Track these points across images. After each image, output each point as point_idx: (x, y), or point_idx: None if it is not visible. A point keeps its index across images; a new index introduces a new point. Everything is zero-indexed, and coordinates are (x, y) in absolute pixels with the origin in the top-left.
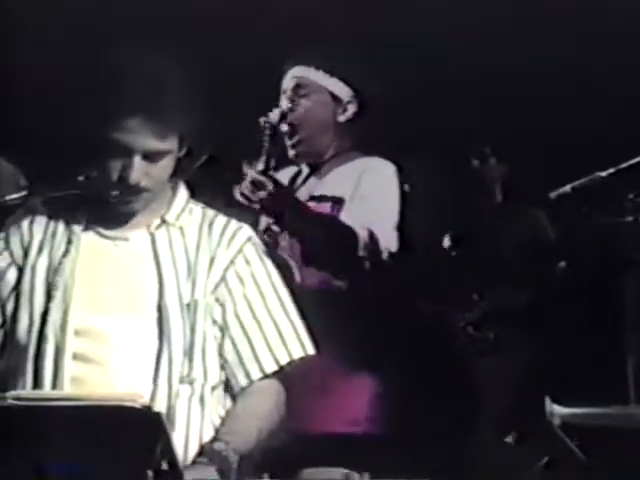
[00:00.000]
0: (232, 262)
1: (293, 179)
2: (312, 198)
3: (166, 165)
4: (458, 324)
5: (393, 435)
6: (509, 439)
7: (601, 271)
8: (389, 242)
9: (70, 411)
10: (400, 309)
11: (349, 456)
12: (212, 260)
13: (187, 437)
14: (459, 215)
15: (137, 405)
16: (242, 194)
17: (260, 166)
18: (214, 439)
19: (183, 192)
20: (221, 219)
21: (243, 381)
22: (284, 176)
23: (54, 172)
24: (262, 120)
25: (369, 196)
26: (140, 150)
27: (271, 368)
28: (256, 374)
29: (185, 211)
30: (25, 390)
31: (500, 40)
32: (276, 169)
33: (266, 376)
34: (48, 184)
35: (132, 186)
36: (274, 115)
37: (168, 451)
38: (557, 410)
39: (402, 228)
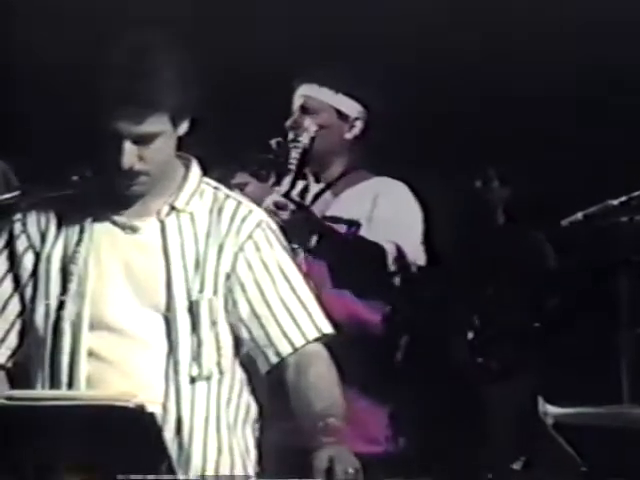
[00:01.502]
0: (241, 249)
1: (300, 193)
2: (325, 218)
3: (161, 146)
4: (463, 351)
5: (410, 455)
6: (516, 465)
7: (596, 270)
8: (416, 256)
9: (63, 411)
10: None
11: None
12: (221, 248)
13: (205, 434)
14: (462, 236)
15: (131, 405)
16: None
17: (284, 187)
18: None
19: (195, 172)
20: (231, 203)
21: (264, 367)
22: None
23: (49, 168)
24: (290, 140)
25: (390, 216)
26: (126, 135)
27: (287, 351)
28: (274, 358)
29: (196, 194)
30: (18, 390)
31: (507, 62)
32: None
33: (282, 359)
34: (41, 180)
35: (127, 171)
36: (304, 138)
37: (163, 452)
38: (550, 410)
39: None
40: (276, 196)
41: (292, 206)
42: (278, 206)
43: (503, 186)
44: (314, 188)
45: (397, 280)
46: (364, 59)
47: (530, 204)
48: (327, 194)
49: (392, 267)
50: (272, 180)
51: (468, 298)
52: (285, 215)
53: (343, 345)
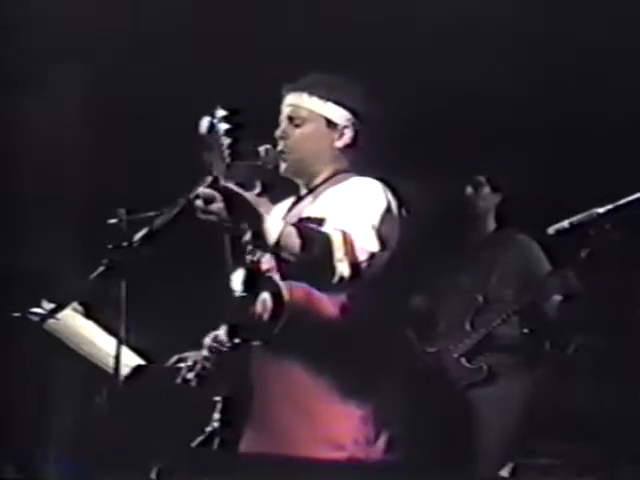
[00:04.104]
0: None
1: (292, 205)
2: (300, 220)
3: None
4: (451, 355)
5: (380, 461)
6: (504, 472)
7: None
8: (366, 242)
9: None
10: (391, 336)
11: None
12: None
13: None
14: (452, 242)
15: None
16: (200, 212)
17: (208, 179)
18: None
19: None
20: None
21: None
22: (289, 201)
23: None
24: (280, 151)
25: (348, 207)
26: None
27: None
28: None
29: None
30: None
31: (500, 70)
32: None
33: None
34: None
35: None
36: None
37: None
38: None
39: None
40: (201, 189)
41: (219, 197)
42: (206, 199)
43: (494, 192)
44: (302, 192)
45: (345, 268)
46: (351, 66)
47: (522, 210)
48: (307, 199)
49: (338, 255)
50: (258, 189)
51: (458, 302)
52: (216, 207)
53: (310, 340)
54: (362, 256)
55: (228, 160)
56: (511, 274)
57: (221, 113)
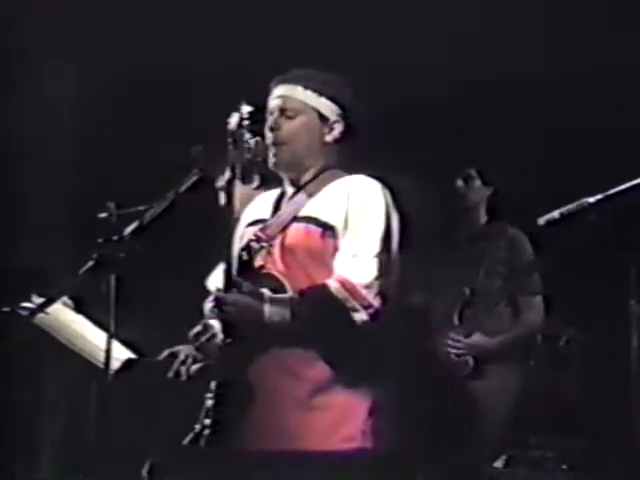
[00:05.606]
0: None
1: (278, 201)
2: (296, 219)
3: None
4: (441, 349)
5: (386, 452)
6: (498, 463)
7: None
8: (367, 272)
9: None
10: (390, 332)
11: (344, 474)
12: None
13: None
14: (443, 236)
15: None
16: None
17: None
18: None
19: None
20: None
21: None
22: (269, 197)
23: None
24: (272, 143)
25: (357, 225)
26: None
27: None
28: None
29: None
30: None
31: (490, 65)
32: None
33: None
34: None
35: None
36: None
37: None
38: None
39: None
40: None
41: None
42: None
43: (485, 185)
44: (289, 191)
45: (363, 315)
46: (342, 61)
47: (513, 202)
48: (300, 195)
49: (349, 304)
50: (256, 183)
51: (448, 296)
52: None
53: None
54: (370, 295)
55: (249, 156)
56: (499, 268)
57: (247, 109)
